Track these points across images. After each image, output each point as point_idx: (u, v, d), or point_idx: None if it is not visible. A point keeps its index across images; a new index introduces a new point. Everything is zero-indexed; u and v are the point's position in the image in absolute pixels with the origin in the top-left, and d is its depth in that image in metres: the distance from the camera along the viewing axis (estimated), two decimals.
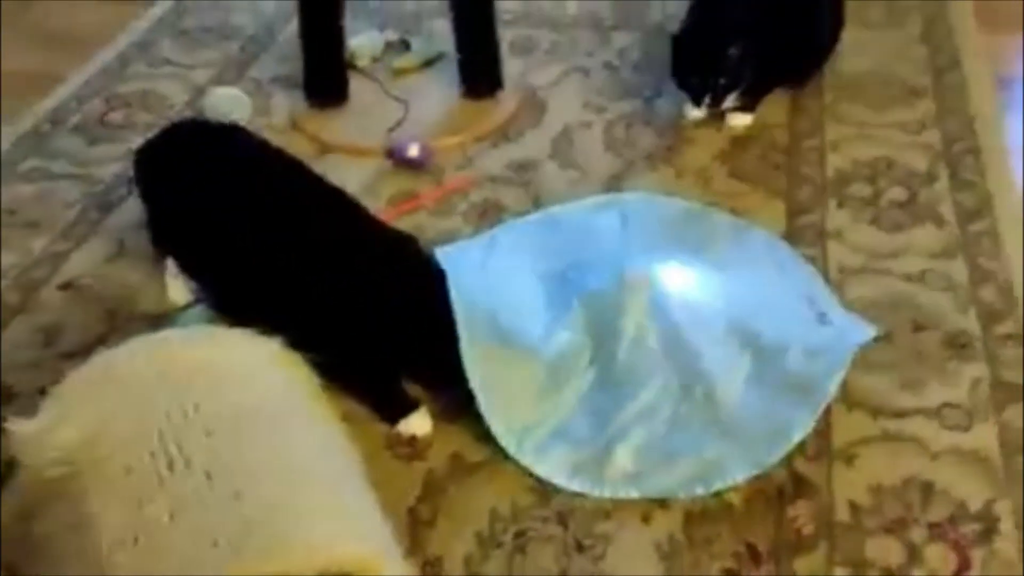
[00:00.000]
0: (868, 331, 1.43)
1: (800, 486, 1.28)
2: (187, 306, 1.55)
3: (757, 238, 1.66)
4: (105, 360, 1.14)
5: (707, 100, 1.88)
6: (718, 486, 1.26)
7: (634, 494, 1.26)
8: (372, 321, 1.33)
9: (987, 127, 1.93)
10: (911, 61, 2.15)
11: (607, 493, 1.27)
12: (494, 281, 1.45)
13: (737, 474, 1.27)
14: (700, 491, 1.26)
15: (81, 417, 1.07)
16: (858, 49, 2.18)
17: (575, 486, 1.28)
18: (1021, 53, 2.23)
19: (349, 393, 1.36)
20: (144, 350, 1.15)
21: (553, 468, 1.30)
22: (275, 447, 1.06)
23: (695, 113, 1.97)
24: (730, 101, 1.90)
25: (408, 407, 1.36)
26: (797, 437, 1.30)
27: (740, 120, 1.96)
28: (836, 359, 1.36)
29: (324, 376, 1.22)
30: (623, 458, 1.29)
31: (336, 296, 1.34)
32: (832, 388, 1.34)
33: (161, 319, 1.54)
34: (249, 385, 1.13)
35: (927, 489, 1.27)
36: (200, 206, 1.48)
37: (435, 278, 1.35)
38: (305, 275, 1.37)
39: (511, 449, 1.31)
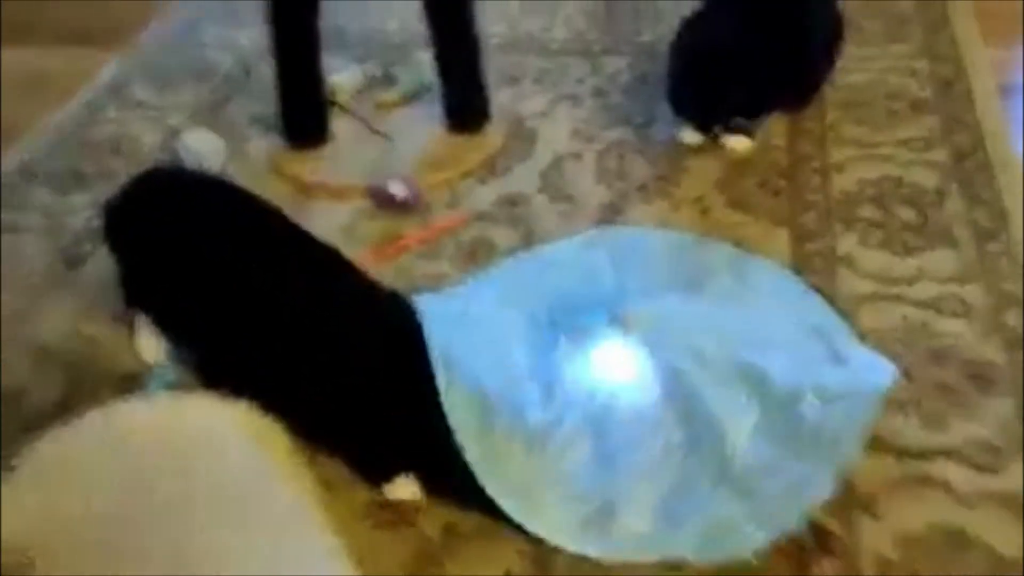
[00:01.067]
0: (887, 371, 1.33)
1: (822, 540, 1.18)
2: (159, 365, 1.46)
3: (759, 269, 1.56)
4: (58, 436, 1.05)
5: (713, 131, 1.82)
6: (733, 550, 1.16)
7: (642, 557, 1.16)
8: (348, 382, 1.24)
9: (997, 141, 1.84)
10: (914, 75, 2.07)
11: (616, 555, 1.17)
12: (477, 334, 1.35)
13: (754, 537, 1.17)
14: (714, 555, 1.16)
15: (32, 502, 0.98)
16: (859, 65, 2.10)
17: (582, 547, 1.18)
18: (1022, 63, 2.16)
19: (332, 455, 1.27)
20: (100, 422, 1.06)
21: (557, 528, 1.20)
22: (241, 529, 0.97)
23: (692, 139, 1.88)
24: (731, 125, 1.82)
25: (394, 469, 1.27)
26: (815, 500, 1.19)
27: (740, 144, 1.87)
28: (856, 409, 1.26)
29: (304, 439, 1.13)
30: (631, 517, 1.20)
31: (312, 356, 1.26)
32: (853, 448, 1.23)
33: (132, 379, 1.46)
34: (214, 458, 1.04)
35: (958, 538, 1.16)
36: (174, 261, 1.39)
37: (414, 338, 1.28)
38: (281, 334, 1.28)
39: (511, 511, 1.21)
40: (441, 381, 1.24)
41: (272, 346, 1.29)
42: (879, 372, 1.33)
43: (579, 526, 1.20)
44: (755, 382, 1.31)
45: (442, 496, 1.25)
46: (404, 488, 1.26)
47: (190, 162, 1.91)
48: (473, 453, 1.22)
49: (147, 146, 2.04)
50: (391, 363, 1.27)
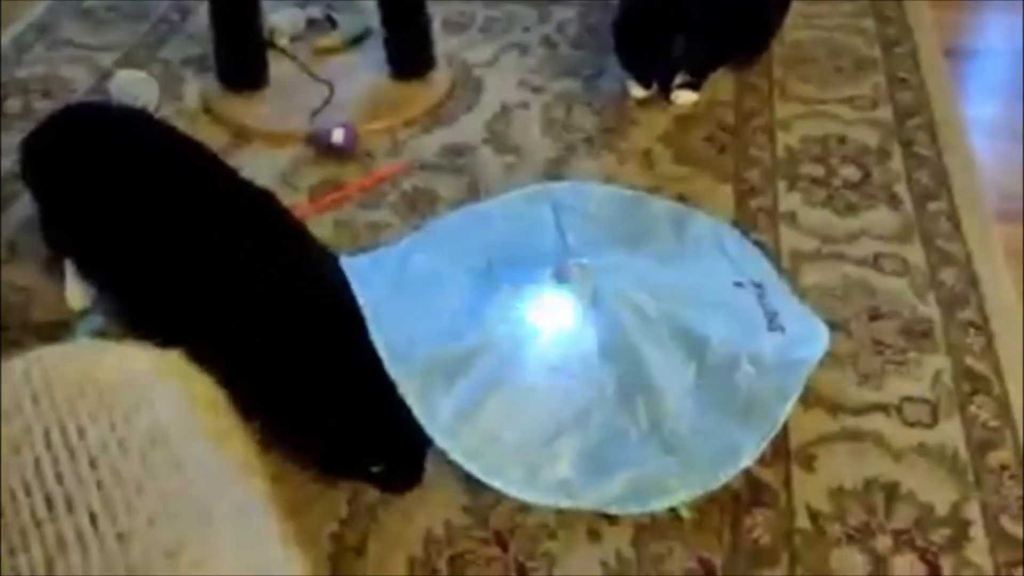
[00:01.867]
0: (822, 340, 1.33)
1: (757, 492, 1.19)
2: (86, 312, 1.41)
3: (701, 225, 1.55)
4: None
5: (654, 85, 1.79)
6: (654, 506, 1.16)
7: (565, 503, 1.16)
8: (281, 338, 1.21)
9: (941, 101, 1.85)
10: (860, 33, 2.07)
11: (538, 499, 1.16)
12: (413, 293, 1.33)
13: (679, 494, 1.16)
14: (635, 509, 1.15)
15: None
16: (806, 21, 2.09)
17: (505, 488, 1.17)
18: (969, 26, 2.17)
19: (269, 414, 1.23)
20: (20, 369, 1.01)
21: (486, 468, 1.18)
22: (168, 478, 0.94)
23: (639, 92, 1.86)
24: (677, 79, 1.80)
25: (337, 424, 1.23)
26: (744, 463, 1.19)
27: (686, 98, 1.86)
28: (788, 381, 1.26)
29: (238, 396, 1.10)
30: (558, 464, 1.19)
31: (239, 306, 1.22)
32: (783, 416, 1.23)
33: (58, 327, 1.40)
34: (141, 405, 0.99)
35: (891, 491, 1.18)
36: (98, 202, 1.33)
37: (345, 293, 1.25)
38: (208, 282, 1.23)
39: (445, 444, 1.19)
40: (373, 328, 1.21)
41: (198, 295, 1.24)
42: (814, 340, 1.33)
43: (512, 467, 1.18)
44: (693, 345, 1.30)
45: (379, 451, 1.22)
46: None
47: (121, 101, 1.84)
48: (406, 389, 1.20)
49: (77, 87, 1.96)
50: (324, 318, 1.24)
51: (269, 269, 1.25)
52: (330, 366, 1.20)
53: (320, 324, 1.24)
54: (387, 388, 1.19)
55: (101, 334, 1.37)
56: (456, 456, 1.19)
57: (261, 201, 1.35)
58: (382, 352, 1.22)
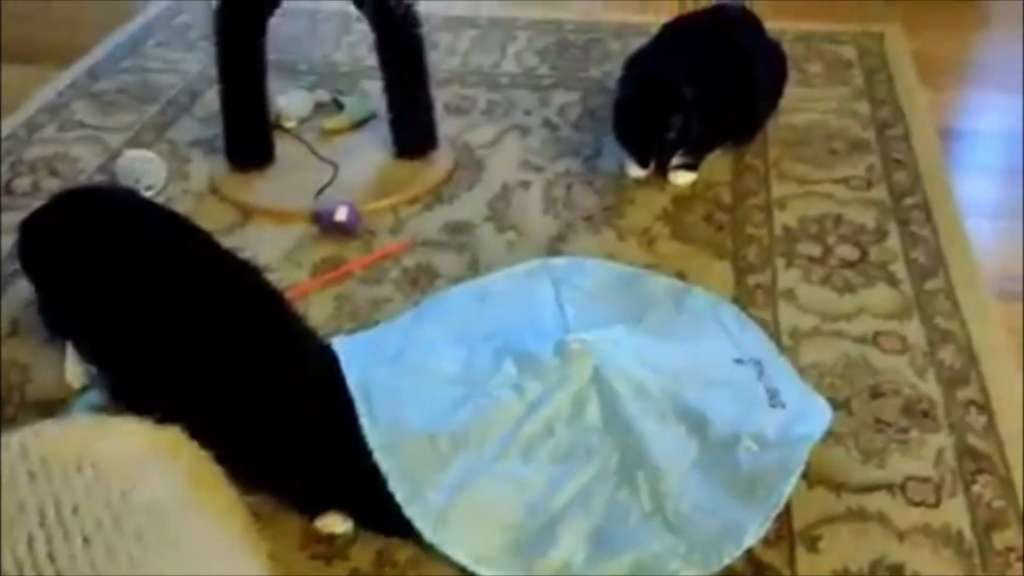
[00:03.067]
0: (824, 416, 1.32)
1: (760, 574, 1.16)
2: (83, 390, 1.41)
3: (700, 301, 1.56)
4: None
5: (652, 164, 1.83)
6: None
7: None
8: (269, 416, 1.21)
9: (935, 181, 1.88)
10: (854, 116, 2.11)
11: None
12: (410, 370, 1.33)
13: (682, 574, 1.14)
14: None
15: None
16: (801, 105, 2.14)
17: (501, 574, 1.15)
18: (962, 107, 2.22)
19: (263, 488, 1.23)
20: (17, 445, 1.01)
21: (479, 555, 1.16)
22: (163, 556, 0.92)
23: (637, 172, 1.89)
24: (674, 159, 1.84)
25: (323, 503, 1.23)
26: (748, 542, 1.17)
27: (683, 178, 1.89)
28: (791, 457, 1.25)
29: (231, 470, 1.09)
30: (557, 548, 1.16)
31: (232, 389, 1.22)
32: (786, 493, 1.22)
33: (57, 404, 1.40)
34: (137, 482, 0.99)
35: (897, 573, 1.16)
36: (92, 285, 1.34)
37: (336, 376, 1.26)
38: (203, 365, 1.24)
39: (427, 533, 1.17)
40: (362, 413, 1.21)
41: (194, 375, 1.24)
42: (816, 416, 1.32)
43: (506, 553, 1.16)
44: (694, 423, 1.30)
45: (372, 528, 1.21)
46: (335, 522, 1.22)
47: (129, 183, 1.87)
48: (395, 476, 1.19)
49: (85, 166, 1.99)
50: (314, 398, 1.24)
51: (260, 351, 1.26)
52: (317, 449, 1.20)
53: (308, 406, 1.24)
54: (373, 472, 1.19)
55: (99, 410, 1.36)
56: (446, 548, 1.17)
57: (253, 282, 1.36)
58: (370, 437, 1.21)
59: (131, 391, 1.32)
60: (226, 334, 1.27)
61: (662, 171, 1.85)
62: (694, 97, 1.76)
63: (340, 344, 1.33)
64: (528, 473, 1.23)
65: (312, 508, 1.23)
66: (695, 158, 1.88)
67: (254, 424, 1.21)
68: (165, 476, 1.03)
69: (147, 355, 1.28)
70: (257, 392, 1.22)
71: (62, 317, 1.39)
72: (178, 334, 1.27)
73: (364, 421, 1.22)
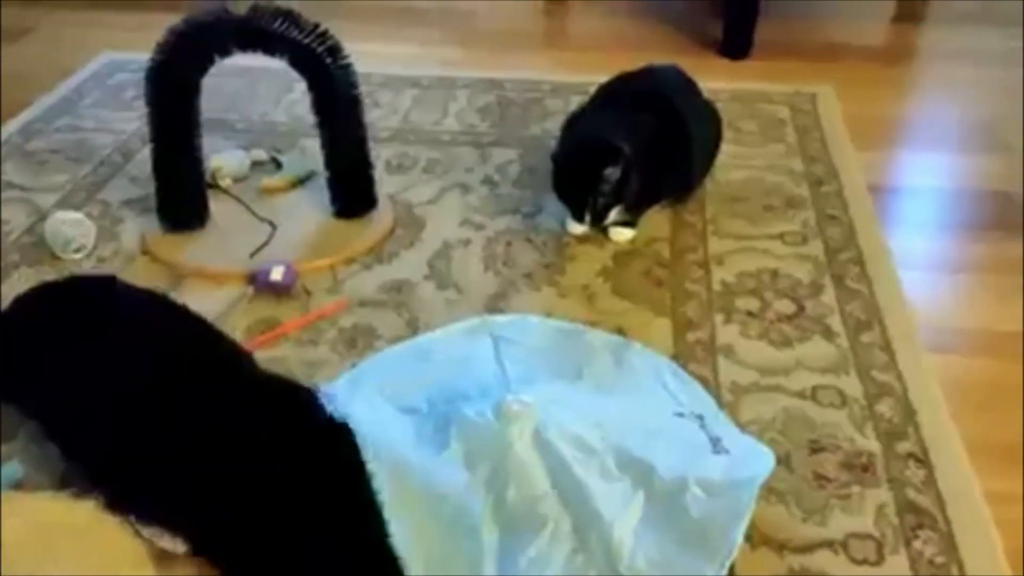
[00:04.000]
0: (767, 459, 1.32)
1: None
2: (7, 462, 1.34)
3: (639, 358, 1.56)
4: None
5: (588, 218, 1.83)
6: None
7: None
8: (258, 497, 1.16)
9: (869, 236, 1.91)
10: (789, 173, 2.15)
11: None
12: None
13: None
14: None
15: None
16: (737, 162, 2.17)
17: None
18: (892, 165, 2.27)
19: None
20: None
21: None
22: None
23: (577, 229, 1.90)
24: (613, 216, 1.85)
25: None
26: None
27: (623, 235, 1.89)
28: (738, 502, 1.24)
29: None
30: None
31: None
32: (738, 538, 1.20)
33: None
34: (47, 562, 0.94)
35: None
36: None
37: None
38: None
39: None
40: None
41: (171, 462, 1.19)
42: (759, 459, 1.32)
43: None
44: (639, 473, 1.28)
45: None
46: None
47: (56, 245, 1.82)
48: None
49: (13, 228, 1.94)
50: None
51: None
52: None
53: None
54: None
55: (16, 486, 1.30)
56: None
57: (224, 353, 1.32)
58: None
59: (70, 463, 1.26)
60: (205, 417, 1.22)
61: (597, 224, 1.85)
62: (631, 153, 1.78)
63: None
64: (483, 548, 1.20)
65: None
66: (633, 215, 1.89)
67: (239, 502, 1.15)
68: (76, 554, 0.97)
69: (134, 451, 1.22)
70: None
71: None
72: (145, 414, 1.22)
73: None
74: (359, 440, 1.23)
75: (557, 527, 1.23)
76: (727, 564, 1.18)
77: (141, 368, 1.26)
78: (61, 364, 1.29)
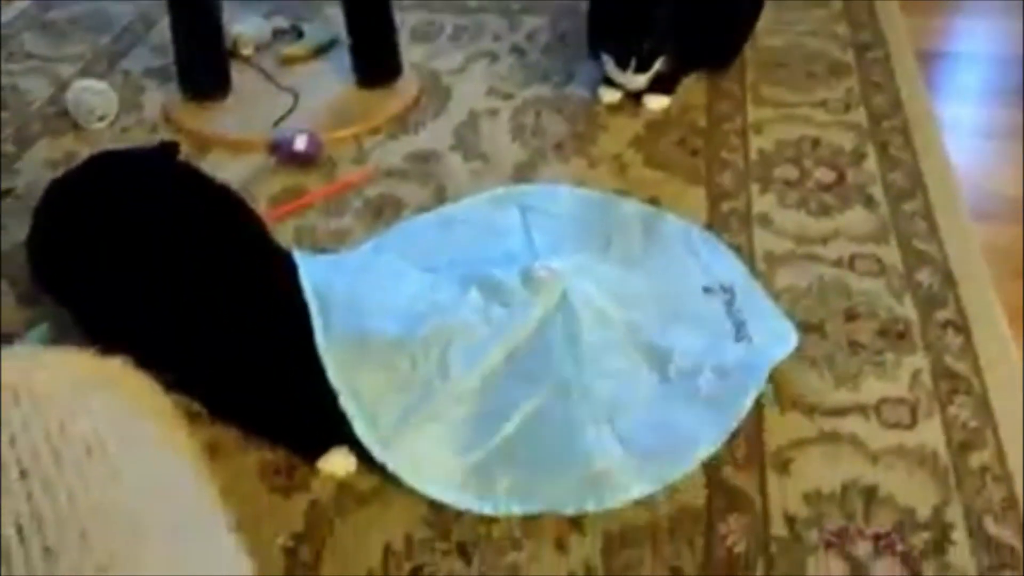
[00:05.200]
0: (788, 342, 1.29)
1: (730, 498, 1.14)
2: (34, 324, 1.35)
3: (671, 227, 1.52)
4: None
5: (633, 64, 1.73)
6: (610, 503, 1.11)
7: (516, 510, 1.11)
8: (244, 348, 1.17)
9: (915, 103, 1.83)
10: (834, 39, 2.05)
11: (488, 510, 1.11)
12: (373, 290, 1.28)
13: (633, 490, 1.11)
14: (591, 506, 1.10)
15: None
16: (779, 27, 2.08)
17: (463, 502, 1.12)
18: (941, 31, 2.16)
19: (260, 432, 1.20)
20: None
21: (425, 476, 1.13)
22: (104, 489, 0.88)
23: (609, 97, 1.83)
24: (657, 66, 1.75)
25: (327, 441, 1.18)
26: (703, 454, 1.15)
27: (658, 102, 1.82)
28: (750, 378, 1.22)
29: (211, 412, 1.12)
30: (514, 466, 1.14)
31: (206, 319, 1.19)
32: (744, 409, 1.19)
33: (8, 339, 1.35)
34: (79, 414, 0.94)
35: (870, 495, 1.13)
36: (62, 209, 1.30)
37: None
38: (172, 296, 1.20)
39: (375, 453, 1.13)
40: (317, 326, 1.17)
41: (163, 308, 1.20)
42: (780, 344, 1.28)
43: (459, 475, 1.13)
44: (656, 357, 1.27)
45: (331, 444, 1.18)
46: (338, 463, 1.17)
47: (79, 114, 1.80)
48: (346, 394, 1.15)
49: (35, 98, 1.91)
50: (284, 326, 1.19)
51: (225, 266, 1.21)
52: (279, 363, 1.16)
53: (272, 325, 1.19)
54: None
55: (51, 343, 1.31)
56: (396, 470, 1.13)
57: (222, 199, 1.30)
58: (323, 353, 1.16)
59: (88, 320, 1.27)
60: (190, 252, 1.22)
61: (644, 70, 1.74)
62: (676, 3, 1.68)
63: (300, 257, 1.28)
64: (487, 396, 1.20)
65: (311, 451, 1.18)
66: (671, 81, 1.82)
67: (215, 338, 1.17)
68: (107, 407, 0.97)
69: (107, 282, 1.23)
70: (218, 308, 1.18)
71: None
72: (138, 256, 1.22)
73: (318, 335, 1.17)
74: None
75: (564, 385, 1.22)
76: (727, 431, 1.17)
77: (158, 248, 1.26)
78: (86, 253, 1.28)
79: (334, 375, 1.15)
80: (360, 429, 1.14)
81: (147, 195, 1.30)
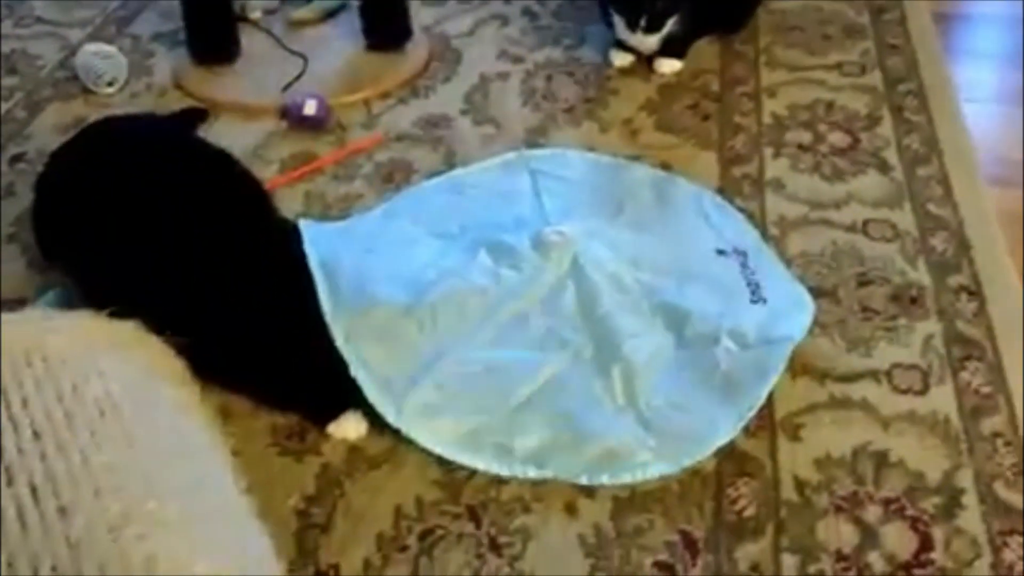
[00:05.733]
0: (805, 313, 1.28)
1: (740, 463, 1.14)
2: (45, 290, 1.36)
3: (683, 191, 1.51)
4: None
5: (643, 23, 1.71)
6: (626, 478, 1.11)
7: (532, 474, 1.11)
8: (249, 316, 1.16)
9: (931, 66, 1.80)
10: (849, 0, 2.02)
11: (504, 471, 1.11)
12: (383, 255, 1.27)
13: (650, 469, 1.12)
14: (605, 479, 1.11)
15: None
16: None
17: (476, 462, 1.12)
18: None
19: (270, 401, 1.20)
20: None
21: (441, 438, 1.13)
22: (117, 451, 0.89)
23: (621, 60, 1.81)
24: (668, 27, 1.73)
25: (339, 405, 1.18)
26: (720, 442, 1.14)
27: (669, 66, 1.80)
28: (769, 358, 1.21)
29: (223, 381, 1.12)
30: (527, 434, 1.14)
31: (198, 274, 1.18)
32: (763, 395, 1.18)
33: (17, 305, 1.35)
34: (91, 376, 0.95)
35: (881, 460, 1.13)
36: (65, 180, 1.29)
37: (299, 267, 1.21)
38: (168, 251, 1.19)
39: (389, 417, 1.14)
40: (323, 292, 1.16)
41: (158, 263, 1.19)
42: (797, 314, 1.27)
43: (473, 438, 1.13)
44: (672, 318, 1.26)
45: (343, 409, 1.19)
46: (349, 427, 1.17)
47: (89, 79, 1.79)
48: (356, 361, 1.16)
49: (45, 63, 1.91)
50: (289, 296, 1.19)
51: (229, 238, 1.21)
52: (286, 331, 1.16)
53: (272, 285, 1.19)
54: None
55: (63, 307, 1.31)
56: (411, 433, 1.14)
57: (223, 168, 1.30)
58: (331, 320, 1.16)
59: (95, 284, 1.27)
60: (195, 218, 1.22)
61: (655, 30, 1.72)
62: None
63: (306, 226, 1.28)
64: (500, 360, 1.19)
65: (322, 416, 1.18)
66: (682, 44, 1.80)
67: (222, 310, 1.16)
68: (120, 370, 0.98)
69: (114, 247, 1.23)
70: (226, 276, 1.17)
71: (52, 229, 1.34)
72: (143, 222, 1.22)
73: (325, 301, 1.17)
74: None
75: (579, 353, 1.22)
76: (745, 418, 1.16)
77: (159, 220, 1.25)
78: (87, 225, 1.28)
79: (343, 344, 1.15)
80: (372, 396, 1.14)
81: (146, 165, 1.29)
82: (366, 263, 1.24)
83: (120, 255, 1.23)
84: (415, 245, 1.32)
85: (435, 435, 1.13)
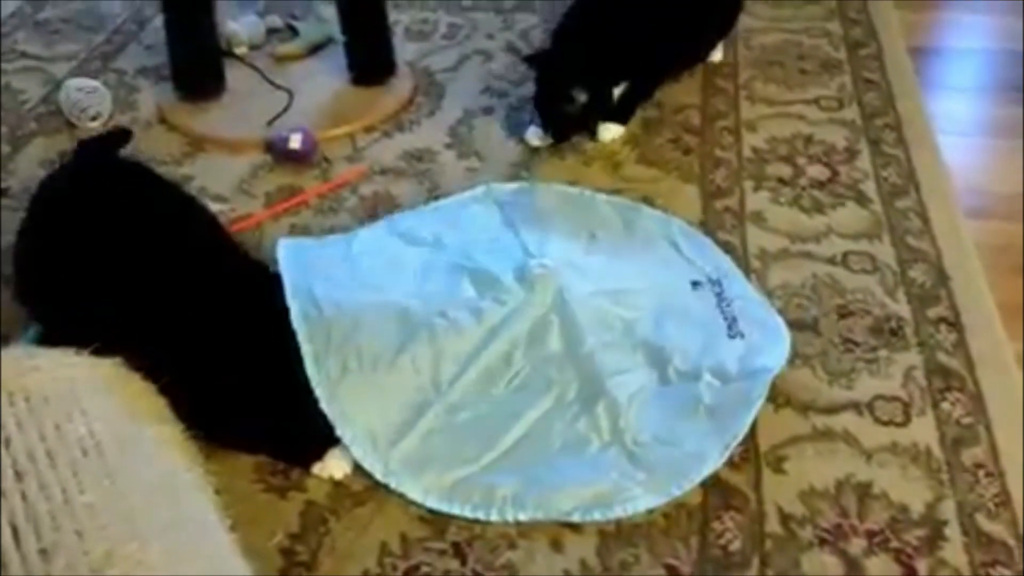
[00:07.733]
0: (783, 344, 1.29)
1: (725, 496, 1.14)
2: (29, 326, 1.35)
3: (650, 221, 1.53)
4: None
5: (551, 131, 1.69)
6: (618, 513, 1.11)
7: (521, 517, 1.11)
8: (227, 361, 1.16)
9: (907, 100, 1.83)
10: (826, 36, 2.05)
11: (494, 517, 1.11)
12: (362, 282, 1.28)
13: (639, 504, 1.12)
14: (598, 516, 1.11)
15: None
16: (773, 25, 2.08)
17: (456, 510, 1.12)
18: (933, 26, 2.17)
19: (249, 445, 1.20)
20: None
21: (428, 491, 1.13)
22: (99, 490, 0.88)
23: (536, 140, 1.73)
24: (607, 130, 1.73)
25: (322, 445, 1.17)
26: (707, 471, 1.15)
27: (610, 133, 1.74)
28: (752, 390, 1.22)
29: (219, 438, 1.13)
30: (517, 477, 1.14)
31: (176, 316, 1.18)
32: (746, 425, 1.19)
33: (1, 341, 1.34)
34: (74, 415, 0.94)
35: (864, 492, 1.14)
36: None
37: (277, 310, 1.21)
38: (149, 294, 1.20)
39: (377, 474, 1.14)
40: (307, 354, 1.16)
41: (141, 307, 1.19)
42: (775, 345, 1.29)
43: (460, 487, 1.13)
44: (654, 356, 1.27)
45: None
46: (337, 464, 1.17)
47: (73, 114, 1.79)
48: (341, 421, 1.16)
49: (29, 98, 1.91)
50: (270, 347, 1.18)
51: (206, 288, 1.20)
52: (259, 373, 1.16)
53: (257, 346, 1.18)
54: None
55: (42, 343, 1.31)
56: (397, 485, 1.14)
57: (198, 218, 1.31)
58: (315, 381, 1.16)
59: (78, 326, 1.27)
60: (174, 264, 1.21)
61: (560, 140, 1.71)
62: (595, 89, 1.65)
63: (285, 245, 1.28)
64: (484, 407, 1.20)
65: (306, 459, 1.18)
66: (624, 114, 1.76)
67: (196, 362, 1.15)
68: (102, 408, 0.98)
69: (95, 291, 1.22)
70: (202, 319, 1.17)
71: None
72: (125, 266, 1.22)
73: (309, 365, 1.16)
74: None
75: (563, 393, 1.23)
76: (731, 447, 1.17)
77: (122, 269, 1.23)
78: (63, 271, 1.27)
79: (327, 405, 1.15)
80: (359, 455, 1.15)
81: (109, 209, 1.28)
82: (349, 299, 1.24)
83: (89, 307, 1.22)
84: (396, 268, 1.33)
85: (422, 488, 1.13)
